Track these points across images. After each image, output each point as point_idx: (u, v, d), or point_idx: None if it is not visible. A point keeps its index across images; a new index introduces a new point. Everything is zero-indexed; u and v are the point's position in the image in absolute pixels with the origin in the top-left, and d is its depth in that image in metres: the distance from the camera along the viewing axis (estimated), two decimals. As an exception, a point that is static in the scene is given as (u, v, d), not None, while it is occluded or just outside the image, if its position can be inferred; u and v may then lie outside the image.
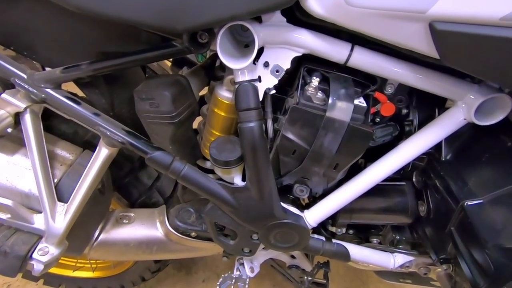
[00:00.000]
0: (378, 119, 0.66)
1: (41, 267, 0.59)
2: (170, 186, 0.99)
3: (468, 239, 0.52)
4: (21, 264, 0.57)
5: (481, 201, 0.50)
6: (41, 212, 0.61)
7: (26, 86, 0.56)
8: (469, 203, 0.51)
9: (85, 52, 0.59)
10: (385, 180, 0.69)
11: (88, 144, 0.77)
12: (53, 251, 0.61)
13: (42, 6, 0.53)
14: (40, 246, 0.60)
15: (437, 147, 0.64)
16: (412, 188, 0.70)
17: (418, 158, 0.66)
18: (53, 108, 0.59)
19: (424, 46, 0.45)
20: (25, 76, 0.56)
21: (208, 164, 0.85)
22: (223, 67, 0.75)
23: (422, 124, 0.62)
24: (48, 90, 0.57)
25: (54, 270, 1.08)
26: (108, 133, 0.59)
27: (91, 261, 1.11)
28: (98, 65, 0.56)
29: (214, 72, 0.78)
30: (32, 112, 0.59)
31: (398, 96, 0.62)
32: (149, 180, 0.96)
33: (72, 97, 0.59)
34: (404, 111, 0.65)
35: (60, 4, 0.47)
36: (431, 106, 0.63)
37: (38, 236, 0.61)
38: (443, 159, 0.62)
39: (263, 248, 0.82)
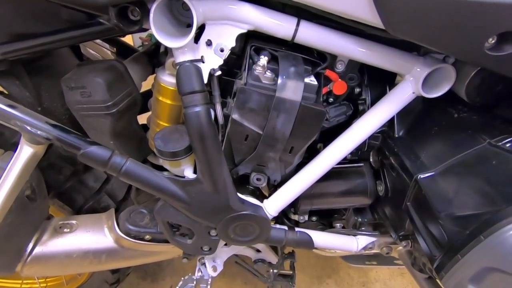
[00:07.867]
0: (331, 99, 0.64)
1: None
2: (123, 188, 0.90)
3: (423, 212, 0.52)
4: None
5: (433, 173, 0.50)
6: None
7: None
8: (421, 176, 0.51)
9: None
10: (343, 163, 0.68)
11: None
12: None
13: None
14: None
15: (391, 124, 0.64)
16: (370, 168, 0.70)
17: (373, 137, 0.66)
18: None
19: (368, 14, 0.43)
20: None
21: (161, 161, 0.78)
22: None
23: (375, 102, 0.61)
24: None
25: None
26: (28, 127, 0.51)
27: (39, 280, 0.98)
28: (8, 48, 0.47)
29: (159, 58, 0.72)
30: None
31: (349, 74, 0.61)
32: (97, 183, 0.86)
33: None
34: (357, 90, 0.64)
35: None
36: (382, 84, 0.63)
37: None
38: (396, 136, 0.62)
39: (225, 245, 0.78)
